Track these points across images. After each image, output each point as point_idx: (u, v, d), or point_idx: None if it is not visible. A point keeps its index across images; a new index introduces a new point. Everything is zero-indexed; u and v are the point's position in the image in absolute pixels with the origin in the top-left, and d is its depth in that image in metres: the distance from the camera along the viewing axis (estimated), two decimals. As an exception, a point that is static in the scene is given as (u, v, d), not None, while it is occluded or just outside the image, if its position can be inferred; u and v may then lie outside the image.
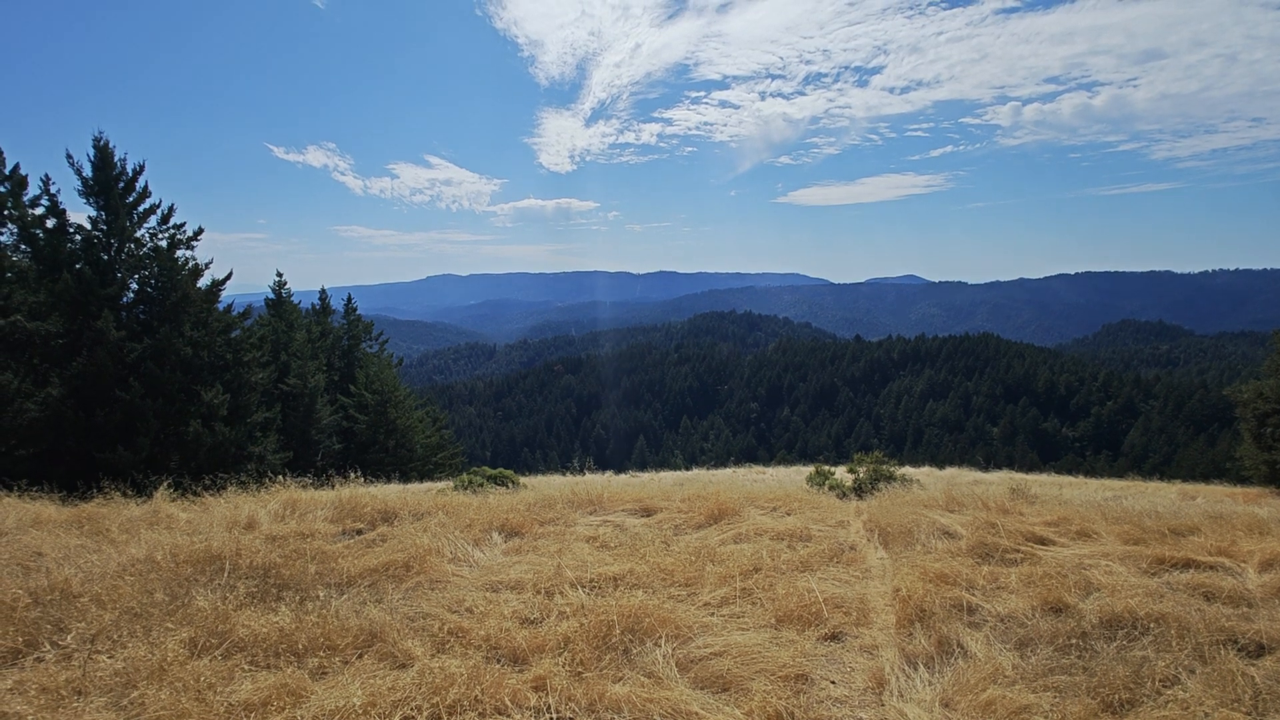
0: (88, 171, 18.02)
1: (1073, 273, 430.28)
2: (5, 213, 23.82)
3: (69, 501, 7.28)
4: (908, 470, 14.45)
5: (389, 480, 16.45)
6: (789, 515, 6.38)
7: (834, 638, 3.65)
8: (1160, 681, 2.91)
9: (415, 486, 13.31)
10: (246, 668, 2.85)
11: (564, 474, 15.48)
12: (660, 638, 3.37)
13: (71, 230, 18.19)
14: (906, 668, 3.26)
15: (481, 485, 11.20)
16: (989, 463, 18.08)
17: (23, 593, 3.53)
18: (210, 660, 2.84)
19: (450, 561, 4.84)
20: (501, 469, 13.02)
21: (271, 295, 28.88)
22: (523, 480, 12.61)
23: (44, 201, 18.54)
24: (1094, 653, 3.22)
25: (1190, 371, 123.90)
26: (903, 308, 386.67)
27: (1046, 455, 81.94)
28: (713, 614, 3.81)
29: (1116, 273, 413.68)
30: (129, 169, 18.37)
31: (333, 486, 8.01)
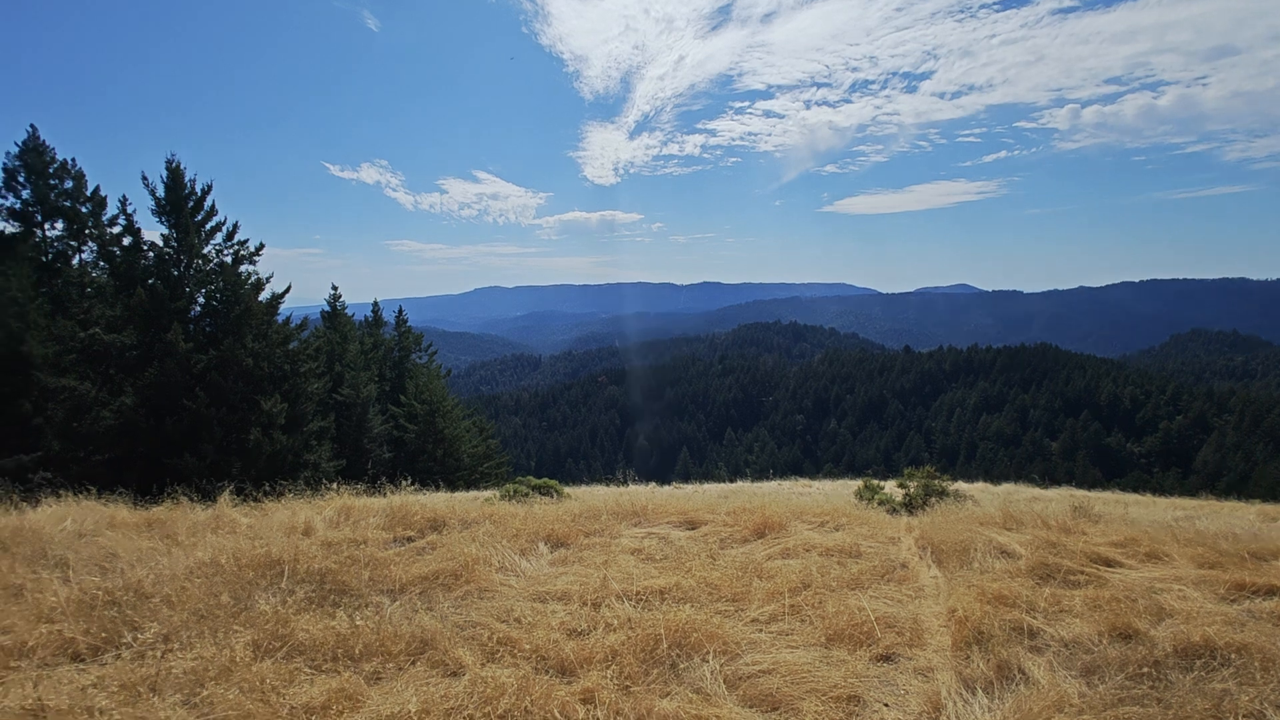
0: (160, 192, 19.05)
1: (1137, 280, 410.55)
2: (87, 232, 25.38)
3: (140, 505, 7.64)
4: (961, 486, 14.00)
5: (437, 488, 16.78)
6: (837, 531, 6.25)
7: (886, 658, 3.55)
8: (1244, 717, 2.74)
9: (462, 495, 13.55)
10: (306, 671, 2.95)
11: (608, 485, 15.51)
12: (708, 653, 3.34)
13: (145, 247, 19.25)
14: (964, 692, 3.15)
15: (527, 495, 11.32)
16: (1048, 479, 17.35)
17: (101, 591, 3.73)
18: (273, 662, 2.95)
19: (498, 571, 4.90)
20: (546, 479, 13.14)
21: (327, 308, 29.94)
22: (567, 490, 12.69)
23: (121, 221, 19.70)
24: (1169, 683, 3.05)
25: (1269, 384, 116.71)
26: (954, 318, 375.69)
27: (1110, 472, 78.19)
28: (761, 630, 3.75)
29: (1185, 280, 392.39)
30: (198, 189, 19.36)
31: (384, 494, 8.21)
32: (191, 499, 8.02)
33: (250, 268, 20.04)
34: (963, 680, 3.25)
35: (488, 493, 13.24)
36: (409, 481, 9.66)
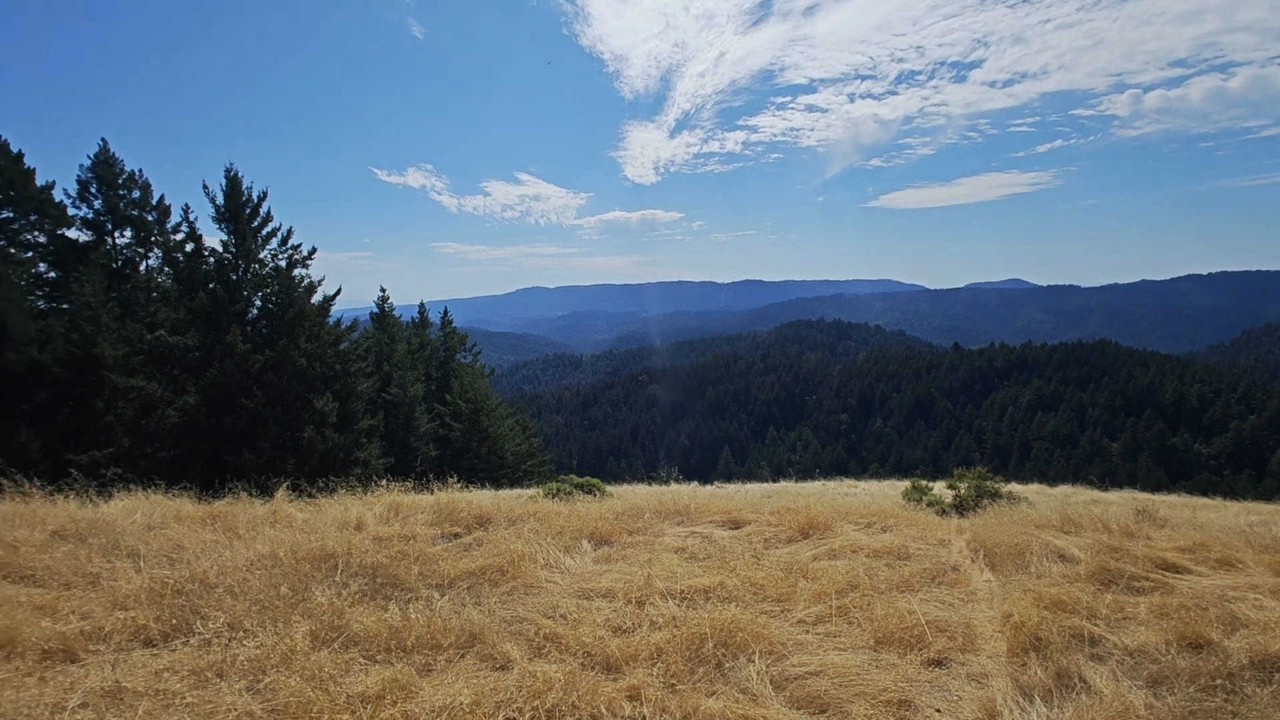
0: (220, 199, 19.89)
1: (1205, 273, 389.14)
2: (153, 239, 26.65)
3: (203, 500, 7.98)
4: (1014, 487, 13.55)
5: (482, 486, 17.08)
6: (885, 532, 6.12)
7: (938, 663, 3.46)
8: (1328, 734, 2.58)
9: (506, 493, 13.77)
10: (361, 661, 3.04)
11: (649, 483, 15.54)
12: (753, 653, 3.32)
13: (206, 253, 20.12)
14: (1021, 700, 3.05)
15: (569, 493, 11.43)
16: (1108, 481, 16.64)
17: (170, 581, 3.92)
18: (329, 652, 3.05)
19: (543, 568, 4.95)
20: (588, 477, 13.25)
21: (375, 309, 30.78)
22: (609, 489, 12.76)
23: (184, 228, 20.63)
24: (1244, 696, 2.89)
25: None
26: (1006, 314, 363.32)
27: (1176, 474, 74.53)
28: (807, 632, 3.70)
29: (1259, 272, 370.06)
30: (254, 195, 20.14)
31: (431, 491, 8.40)
32: (250, 494, 8.34)
33: (303, 271, 20.78)
34: (1019, 687, 3.15)
35: (531, 490, 13.42)
36: (454, 479, 9.86)
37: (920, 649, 3.53)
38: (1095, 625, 3.68)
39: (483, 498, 8.90)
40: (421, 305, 35.39)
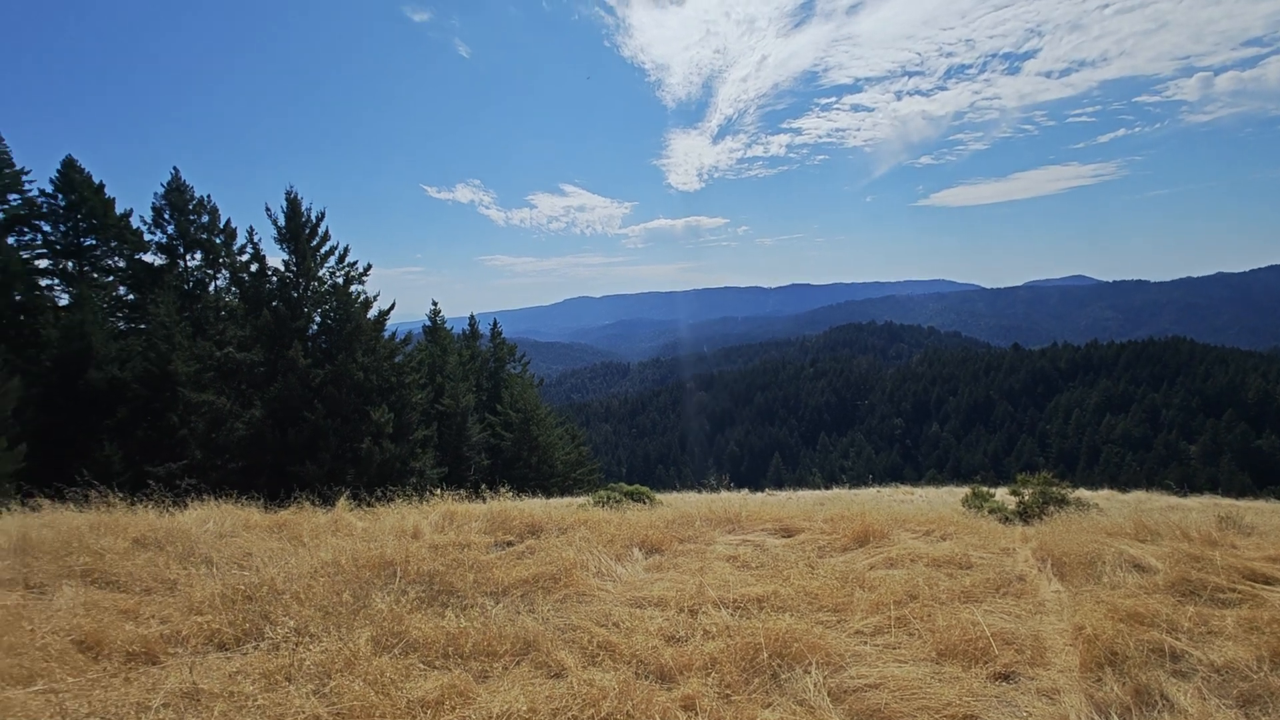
0: (281, 221, 20.80)
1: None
2: (220, 260, 28.07)
3: (270, 509, 8.31)
4: (1083, 493, 12.95)
5: (533, 494, 17.30)
6: (944, 540, 5.93)
7: (1005, 677, 3.32)
8: None
9: (557, 501, 13.90)
10: (421, 667, 3.11)
11: (699, 491, 15.45)
12: (810, 664, 3.25)
13: (269, 273, 21.06)
14: (1096, 717, 2.90)
15: (619, 501, 11.46)
16: (1186, 486, 15.70)
17: (241, 587, 4.10)
18: (390, 658, 3.13)
19: (595, 576, 4.98)
20: (637, 485, 13.27)
21: (428, 323, 31.61)
22: (658, 497, 12.74)
23: (249, 249, 21.64)
24: (1348, 718, 2.68)
25: None
26: (1069, 312, 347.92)
27: (1262, 478, 69.76)
28: (865, 643, 3.61)
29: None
30: (313, 216, 20.99)
31: (483, 500, 8.54)
32: (313, 503, 8.65)
33: (359, 287, 21.52)
34: (1094, 704, 2.99)
35: (581, 499, 13.51)
36: (506, 487, 10.02)
37: (985, 662, 3.40)
38: (1177, 639, 3.47)
39: (534, 506, 9.00)
40: (472, 318, 36.19)
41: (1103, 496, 14.44)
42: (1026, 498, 10.05)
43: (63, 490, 7.75)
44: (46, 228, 26.58)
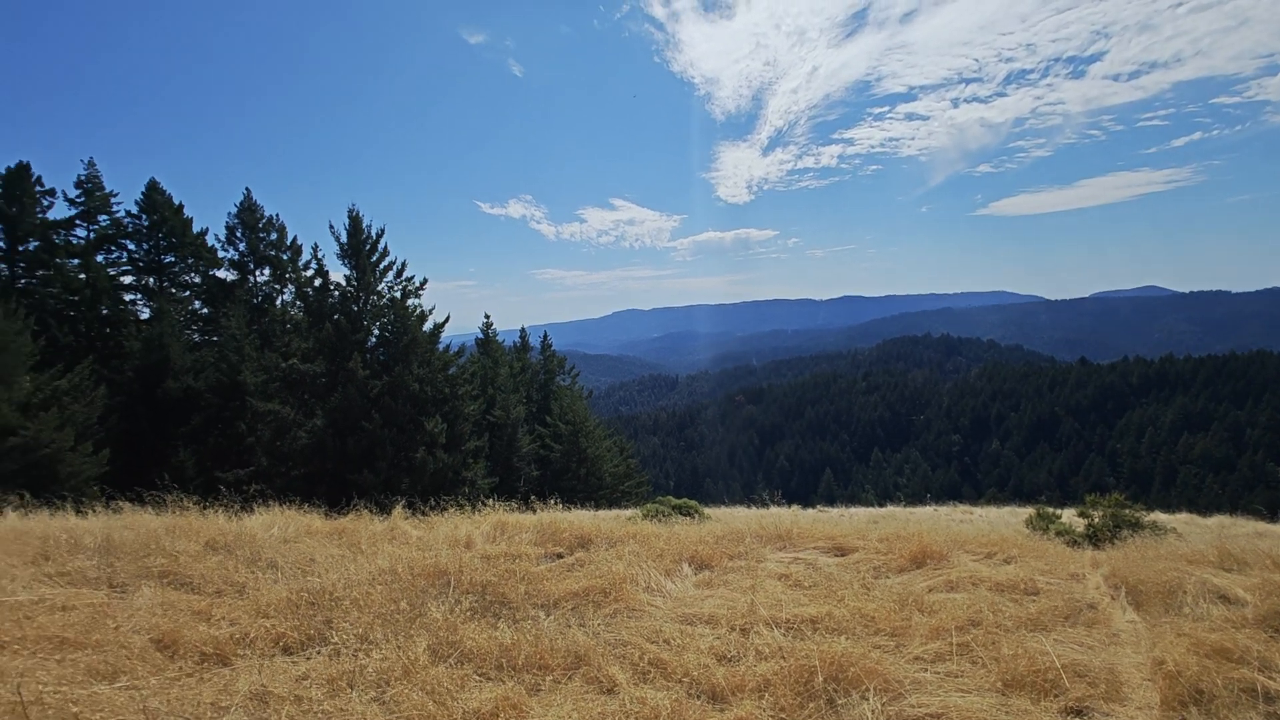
0: (343, 237, 21.63)
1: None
2: (287, 276, 29.39)
3: (329, 516, 8.60)
4: (1158, 517, 12.23)
5: (581, 506, 17.40)
6: (1008, 563, 5.68)
7: (1077, 713, 3.15)
8: None
9: (605, 513, 13.93)
10: (475, 678, 3.16)
11: (748, 506, 15.25)
12: (867, 690, 3.15)
13: (332, 287, 21.92)
14: (1180, 760, 2.72)
15: (668, 515, 11.41)
16: (1276, 511, 14.64)
17: (304, 593, 4.25)
18: (446, 667, 3.19)
19: (644, 590, 4.96)
20: (685, 499, 13.19)
21: (480, 335, 32.33)
22: (707, 511, 12.63)
23: (313, 265, 22.59)
24: None
25: None
26: (1141, 324, 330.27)
27: (1362, 504, 64.45)
28: (925, 670, 3.48)
29: None
30: (373, 233, 21.78)
31: (533, 511, 8.65)
32: (370, 511, 8.92)
33: (416, 301, 22.16)
34: (1178, 746, 2.81)
35: (629, 511, 13.50)
36: (554, 499, 10.11)
37: (1055, 695, 3.23)
38: (1270, 679, 3.23)
39: (582, 518, 9.04)
40: (523, 330, 36.83)
41: (1181, 520, 13.60)
42: (1096, 520, 9.54)
43: (141, 494, 8.21)
44: (131, 246, 28.43)
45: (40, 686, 2.49)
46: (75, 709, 2.32)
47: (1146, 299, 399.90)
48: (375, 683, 2.95)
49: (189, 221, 28.71)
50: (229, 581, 4.62)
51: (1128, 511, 9.54)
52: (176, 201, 28.54)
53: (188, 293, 29.37)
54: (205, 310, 29.42)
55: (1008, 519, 13.63)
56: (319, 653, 3.36)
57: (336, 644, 3.45)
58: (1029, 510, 12.94)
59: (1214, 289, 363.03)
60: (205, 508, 7.52)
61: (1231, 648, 3.51)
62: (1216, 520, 14.58)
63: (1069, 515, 11.55)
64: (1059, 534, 9.04)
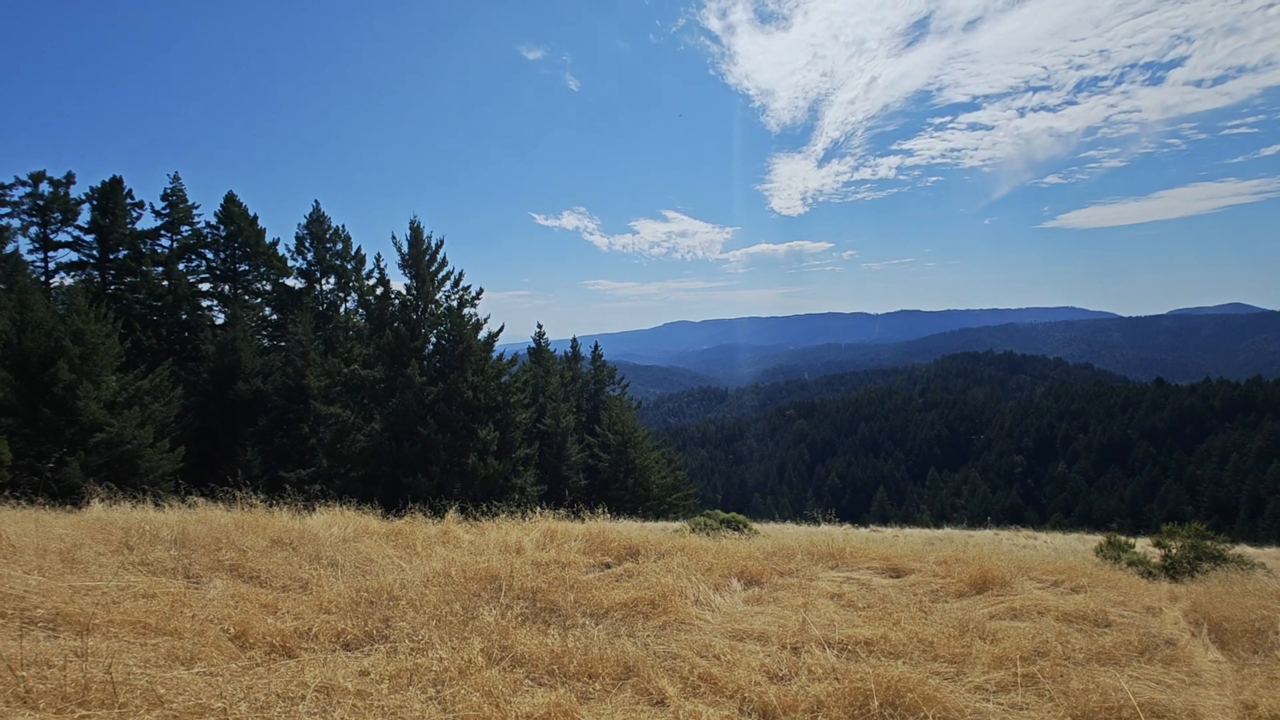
0: (405, 248, 22.37)
1: None
2: (350, 284, 30.56)
3: (386, 517, 8.86)
4: (1245, 550, 11.43)
5: (629, 517, 17.40)
6: (1076, 593, 5.42)
7: (1155, 754, 2.97)
8: None
9: (652, 525, 13.90)
10: (527, 683, 3.19)
11: (797, 523, 14.98)
12: (925, 717, 3.05)
13: (393, 296, 22.67)
14: (1272, 813, 2.53)
15: (716, 529, 11.31)
16: (1380, 549, 13.47)
17: (364, 592, 4.39)
18: (499, 670, 3.24)
19: (693, 604, 4.93)
20: (734, 513, 13.03)
21: (533, 344, 32.85)
22: (755, 526, 12.46)
23: (375, 274, 23.46)
24: None
25: None
26: (1225, 344, 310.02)
27: None
28: (987, 700, 3.34)
29: None
30: (433, 243, 22.45)
31: (581, 520, 8.71)
32: (424, 514, 9.15)
33: (471, 310, 22.70)
34: (1269, 797, 2.61)
35: (676, 524, 13.44)
36: (602, 508, 10.16)
37: (1130, 735, 3.06)
38: (1375, 730, 2.98)
39: (630, 529, 9.06)
40: (574, 340, 37.23)
41: (1270, 555, 12.67)
42: (1174, 551, 8.98)
43: (213, 490, 8.65)
44: (209, 255, 30.12)
45: (127, 668, 2.65)
46: (160, 691, 2.45)
47: (1231, 317, 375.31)
48: (433, 681, 3.02)
49: (262, 232, 30.25)
50: (294, 577, 4.81)
51: (1210, 543, 8.95)
52: (251, 213, 30.13)
53: (259, 299, 30.90)
54: (274, 316, 30.88)
55: (1074, 546, 12.96)
56: (378, 650, 3.46)
57: (394, 642, 3.55)
58: (1098, 538, 12.29)
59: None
60: (271, 505, 7.86)
61: (1330, 694, 3.26)
62: (1311, 556, 13.50)
63: (1143, 545, 10.92)
64: (1132, 564, 8.54)
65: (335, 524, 7.33)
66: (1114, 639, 4.19)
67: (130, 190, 27.93)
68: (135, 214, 28.36)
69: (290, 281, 30.96)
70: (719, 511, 13.37)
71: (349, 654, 3.44)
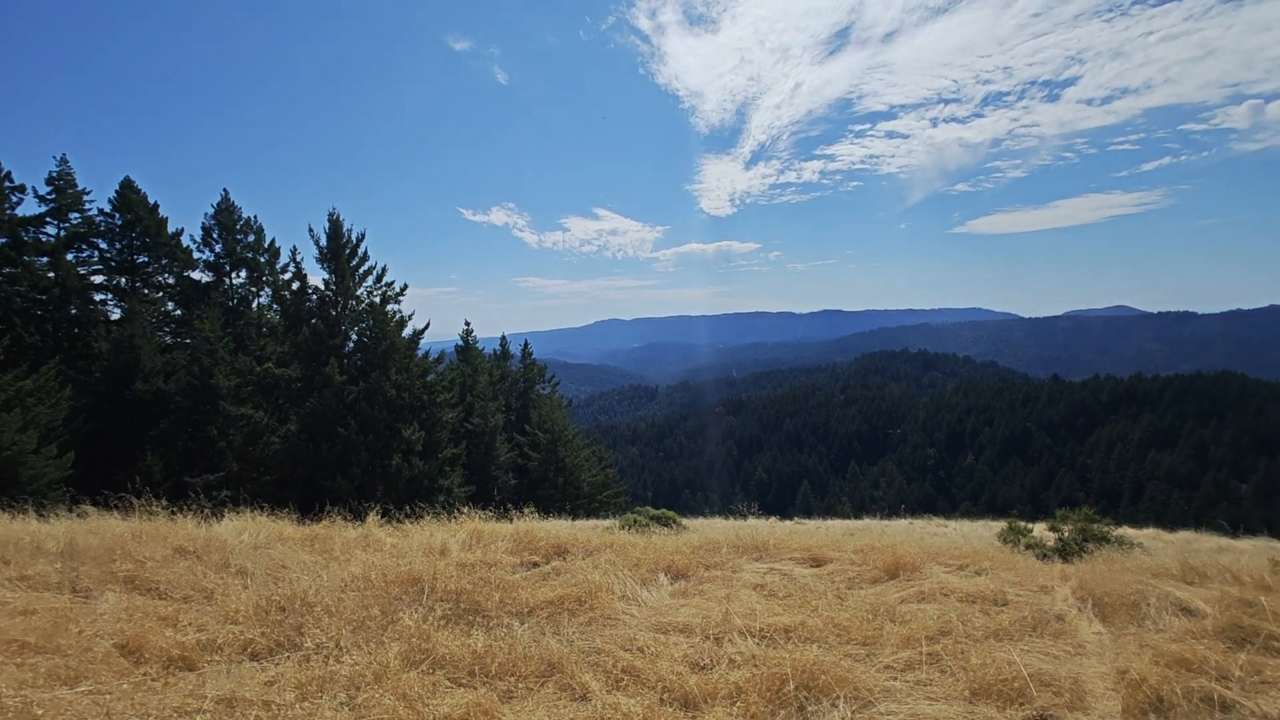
0: (323, 241, 21.44)
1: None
2: (264, 279, 28.98)
3: (302, 522, 8.46)
4: (1126, 531, 12.49)
5: (559, 516, 17.28)
6: (979, 575, 5.77)
7: (1042, 720, 3.22)
8: None
9: (583, 523, 13.86)
10: (447, 684, 3.13)
11: (726, 517, 15.28)
12: (838, 698, 3.19)
13: (310, 291, 21.67)
14: (1140, 766, 2.78)
15: (645, 525, 11.40)
16: (1238, 527, 15.01)
17: (275, 599, 4.19)
18: (418, 673, 3.16)
19: (620, 599, 4.95)
20: (664, 509, 13.18)
21: (460, 342, 32.11)
22: (685, 522, 12.63)
23: (291, 268, 22.36)
24: None
25: None
26: (1111, 343, 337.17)
27: (1321, 521, 66.24)
28: (895, 678, 3.53)
29: None
30: (354, 237, 21.61)
31: (510, 520, 8.58)
32: (344, 518, 8.79)
33: (395, 307, 22.00)
34: (1138, 752, 2.87)
35: (606, 521, 13.46)
36: (532, 508, 10.05)
37: (1021, 703, 3.29)
38: (1227, 688, 3.32)
39: (560, 528, 9.00)
40: (503, 338, 36.64)
41: (1147, 535, 13.91)
42: (1066, 534, 9.73)
43: (108, 498, 8.02)
44: (103, 245, 27.84)
45: (0, 689, 2.43)
46: (38, 712, 2.27)
47: (1117, 318, 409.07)
48: (346, 688, 2.92)
49: (164, 221, 28.20)
50: (197, 588, 4.54)
51: (1096, 526, 9.74)
52: (151, 201, 28.06)
53: (161, 294, 28.81)
54: (178, 312, 28.85)
55: (981, 532, 13.81)
56: (289, 658, 3.31)
57: (307, 650, 3.41)
58: (1002, 524, 13.14)
59: (1182, 310, 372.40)
60: (174, 513, 7.36)
61: (1191, 658, 3.61)
62: (1182, 536, 14.92)
63: (1040, 529, 11.76)
64: (1030, 547, 9.19)
65: (246, 530, 6.95)
66: (1010, 616, 4.50)
67: (9, 173, 25.46)
68: (15, 199, 25.87)
69: (196, 275, 29.00)
70: (649, 508, 13.49)
71: (256, 664, 3.28)
